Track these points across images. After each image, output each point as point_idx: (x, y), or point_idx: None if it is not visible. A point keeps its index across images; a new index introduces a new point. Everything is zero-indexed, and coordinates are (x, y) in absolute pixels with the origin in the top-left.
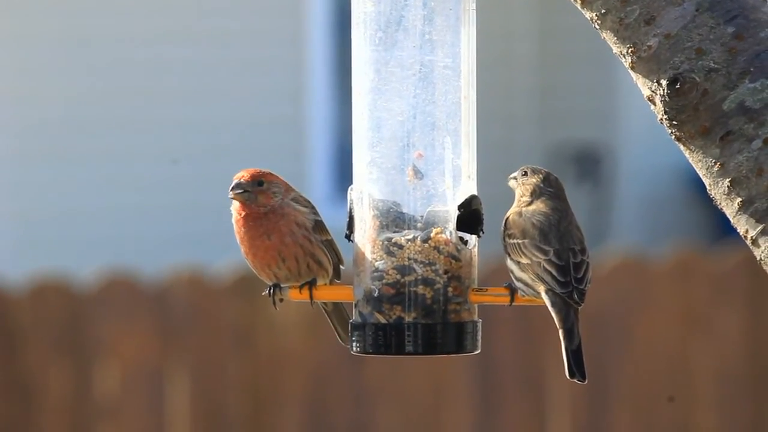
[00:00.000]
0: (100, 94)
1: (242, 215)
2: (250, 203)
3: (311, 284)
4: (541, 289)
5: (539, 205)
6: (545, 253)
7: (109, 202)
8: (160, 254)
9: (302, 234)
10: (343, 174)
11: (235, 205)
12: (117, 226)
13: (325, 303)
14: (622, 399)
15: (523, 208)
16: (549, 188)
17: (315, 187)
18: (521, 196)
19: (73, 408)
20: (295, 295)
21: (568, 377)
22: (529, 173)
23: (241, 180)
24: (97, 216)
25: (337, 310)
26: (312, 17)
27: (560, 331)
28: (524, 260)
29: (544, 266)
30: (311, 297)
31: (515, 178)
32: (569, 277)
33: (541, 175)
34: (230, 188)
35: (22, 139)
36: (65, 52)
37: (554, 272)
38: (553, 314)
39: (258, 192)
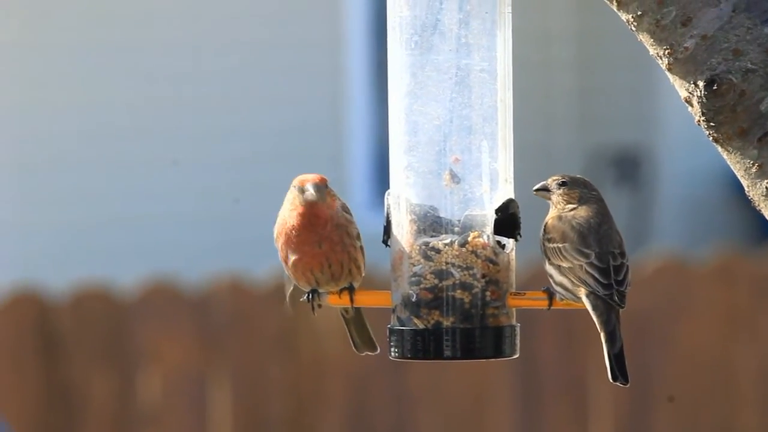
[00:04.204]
0: (140, 103)
1: (298, 221)
2: (321, 204)
3: (351, 290)
4: (582, 292)
5: (580, 210)
6: (586, 256)
7: (151, 210)
8: (202, 261)
9: (350, 242)
10: (382, 179)
11: (290, 208)
12: (158, 234)
13: (345, 310)
14: (665, 402)
15: (563, 213)
16: (593, 192)
17: (354, 192)
18: (567, 204)
19: (116, 415)
20: (334, 301)
21: (610, 380)
22: (569, 183)
23: (318, 183)
24: (139, 223)
25: (358, 318)
26: (350, 23)
27: (602, 335)
28: (565, 264)
29: (585, 269)
30: (352, 302)
31: (546, 189)
32: (611, 279)
33: (582, 182)
34: (311, 191)
35: (63, 147)
36: (109, 62)
37: (596, 275)
38: (595, 318)
39: (327, 193)
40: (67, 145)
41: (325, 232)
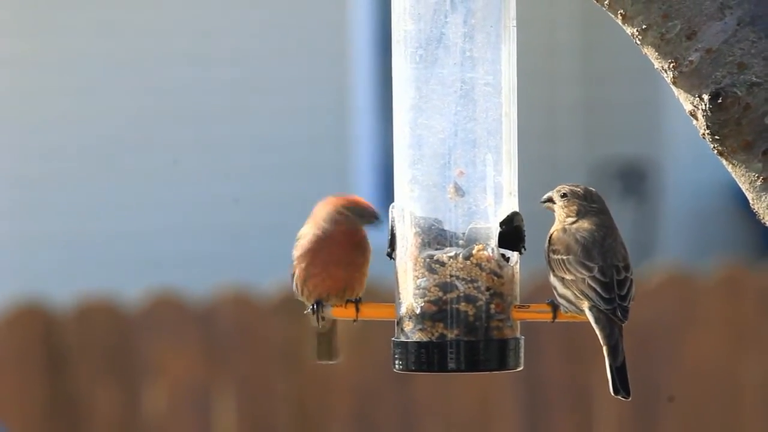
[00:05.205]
0: (144, 115)
1: (340, 240)
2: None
3: (357, 302)
4: (585, 305)
5: (584, 222)
6: (589, 269)
7: (155, 222)
8: (207, 274)
9: (365, 272)
10: (386, 192)
11: (327, 227)
12: (163, 246)
13: (321, 324)
14: (670, 415)
15: (567, 225)
16: (593, 205)
17: None
18: (566, 217)
19: (121, 428)
20: (338, 313)
21: (612, 394)
22: (569, 195)
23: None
24: (143, 236)
25: (331, 331)
26: (355, 35)
27: (604, 348)
28: (568, 276)
29: (588, 283)
30: (357, 314)
31: (551, 200)
32: (613, 293)
33: (582, 194)
34: (373, 219)
35: (67, 160)
36: (114, 74)
37: (598, 289)
38: (597, 331)
39: None
40: (71, 157)
41: (354, 256)
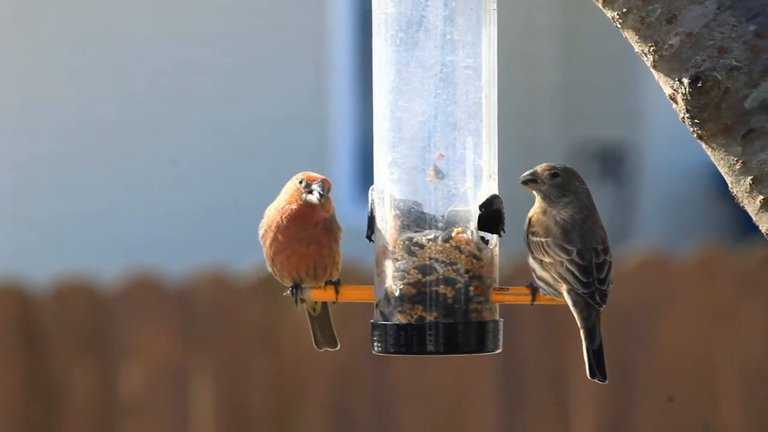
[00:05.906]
0: (127, 97)
1: (292, 214)
2: (320, 207)
3: (336, 284)
4: (563, 288)
5: (566, 204)
6: (568, 252)
7: (133, 203)
8: (184, 254)
9: (336, 249)
10: (365, 174)
11: (286, 200)
12: (141, 227)
13: (312, 307)
14: (647, 397)
15: (548, 207)
16: (584, 186)
17: (337, 186)
18: (561, 196)
19: (97, 408)
20: (317, 295)
21: (589, 377)
22: (550, 175)
23: (326, 186)
24: (121, 217)
25: (324, 316)
26: (335, 17)
27: (581, 331)
28: (547, 259)
29: (566, 266)
30: (337, 296)
31: (532, 180)
32: (592, 277)
33: (574, 173)
34: (317, 194)
35: (45, 142)
36: (92, 55)
37: (576, 272)
38: (575, 314)
39: (327, 198)
40: (49, 139)
41: (315, 233)
